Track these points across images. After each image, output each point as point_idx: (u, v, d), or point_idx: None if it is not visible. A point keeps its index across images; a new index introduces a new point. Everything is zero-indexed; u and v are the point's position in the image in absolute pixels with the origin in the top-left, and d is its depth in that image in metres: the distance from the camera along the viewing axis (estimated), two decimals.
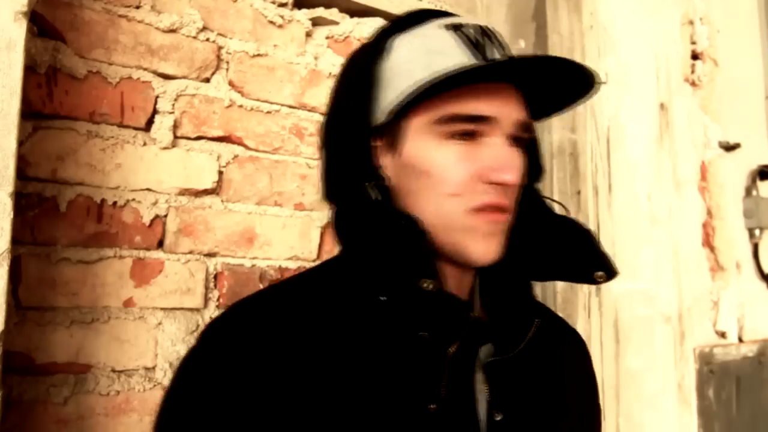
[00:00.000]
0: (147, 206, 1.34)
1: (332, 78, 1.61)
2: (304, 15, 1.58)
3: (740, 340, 2.33)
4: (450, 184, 0.79)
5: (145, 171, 1.35)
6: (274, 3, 1.54)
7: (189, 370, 0.80)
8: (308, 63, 1.58)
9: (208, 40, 1.44)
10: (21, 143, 1.22)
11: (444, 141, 0.80)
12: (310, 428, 0.74)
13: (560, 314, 1.59)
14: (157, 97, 1.38)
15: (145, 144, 1.35)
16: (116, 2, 1.35)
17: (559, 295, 1.66)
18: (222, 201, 1.43)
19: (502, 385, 0.83)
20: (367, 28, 1.68)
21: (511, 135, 0.81)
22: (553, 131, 1.70)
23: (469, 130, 0.79)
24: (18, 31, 1.11)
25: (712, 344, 2.17)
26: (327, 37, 1.64)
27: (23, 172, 1.22)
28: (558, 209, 0.93)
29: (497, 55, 0.82)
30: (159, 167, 1.36)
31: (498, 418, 0.81)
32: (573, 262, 0.86)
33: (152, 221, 1.35)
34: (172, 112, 1.39)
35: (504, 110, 0.79)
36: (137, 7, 1.37)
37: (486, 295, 0.90)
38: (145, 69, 1.37)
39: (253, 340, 0.77)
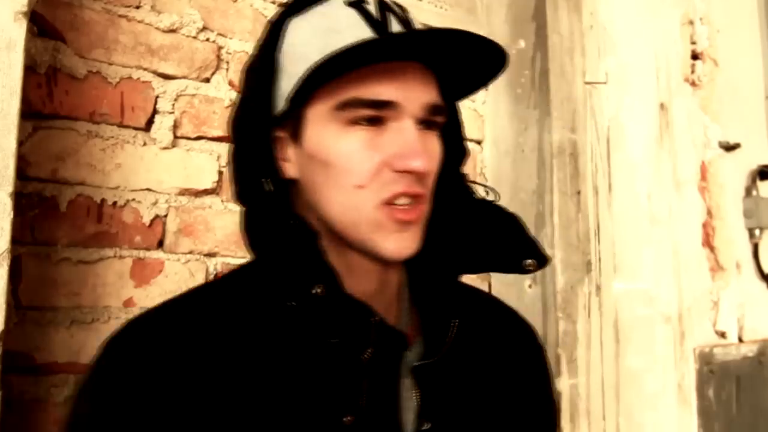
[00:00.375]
0: (147, 206, 1.34)
1: None
2: None
3: (740, 340, 2.33)
4: (355, 175, 0.72)
5: (145, 171, 1.35)
6: (274, 2, 1.54)
7: (87, 395, 0.72)
8: None
9: (208, 40, 1.44)
10: (21, 143, 1.21)
11: (347, 128, 0.72)
12: None
13: (560, 314, 1.59)
14: (157, 97, 1.38)
15: (145, 144, 1.35)
16: (116, 2, 1.34)
17: (559, 295, 1.66)
18: (222, 201, 1.43)
19: (431, 391, 0.77)
20: None
21: (420, 119, 0.74)
22: (554, 131, 1.70)
23: (373, 115, 0.72)
24: (18, 31, 1.11)
25: (712, 344, 2.17)
26: None
27: (23, 172, 1.22)
28: (485, 195, 0.85)
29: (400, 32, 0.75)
30: (159, 167, 1.36)
31: (426, 428, 0.76)
32: (500, 252, 0.80)
33: (152, 221, 1.35)
34: (172, 112, 1.39)
35: (410, 93, 0.72)
36: (137, 7, 1.37)
37: (414, 292, 0.84)
38: (145, 69, 1.37)
39: (155, 357, 0.71)
